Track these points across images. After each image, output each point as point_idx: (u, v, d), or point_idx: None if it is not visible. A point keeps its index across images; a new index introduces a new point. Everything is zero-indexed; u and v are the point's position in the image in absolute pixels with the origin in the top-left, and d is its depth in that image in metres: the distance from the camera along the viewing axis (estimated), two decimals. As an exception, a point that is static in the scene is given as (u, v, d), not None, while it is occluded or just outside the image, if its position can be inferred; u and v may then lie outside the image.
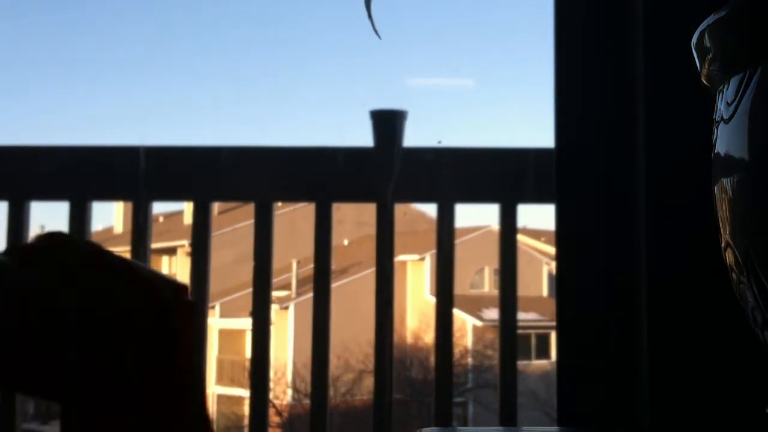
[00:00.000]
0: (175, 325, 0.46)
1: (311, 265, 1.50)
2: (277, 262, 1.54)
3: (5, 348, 0.44)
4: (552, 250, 1.08)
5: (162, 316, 0.46)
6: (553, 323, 1.08)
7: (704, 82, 0.56)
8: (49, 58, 21.81)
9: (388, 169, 1.41)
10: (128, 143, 1.49)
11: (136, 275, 0.47)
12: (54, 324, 0.43)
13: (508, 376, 1.43)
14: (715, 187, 0.54)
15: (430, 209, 1.53)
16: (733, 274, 0.53)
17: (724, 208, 0.52)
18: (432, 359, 2.21)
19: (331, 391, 1.85)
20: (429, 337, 11.28)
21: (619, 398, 1.01)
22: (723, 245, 0.54)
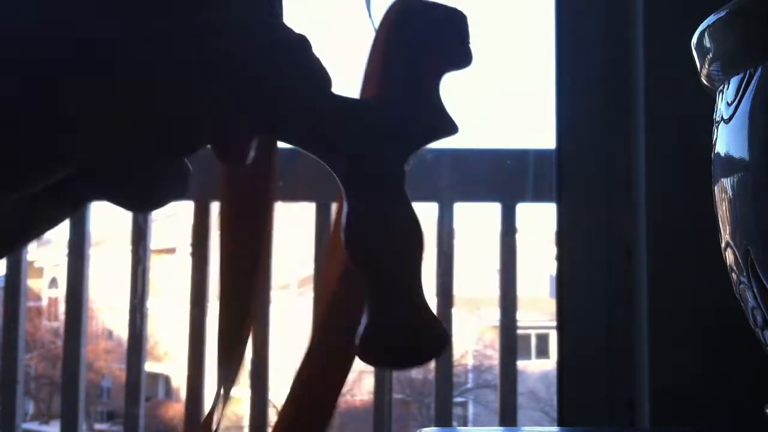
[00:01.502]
0: None
1: (311, 265, 1.50)
2: (277, 262, 1.54)
3: None
4: (552, 250, 1.08)
5: None
6: (553, 323, 1.08)
7: (704, 82, 0.56)
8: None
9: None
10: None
11: None
12: None
13: (508, 376, 1.43)
14: (715, 187, 0.54)
15: (430, 209, 1.53)
16: (733, 274, 0.53)
17: (724, 208, 0.52)
18: (432, 359, 2.20)
19: (331, 391, 1.84)
20: (429, 337, 11.21)
21: (619, 398, 1.01)
22: (723, 245, 0.54)
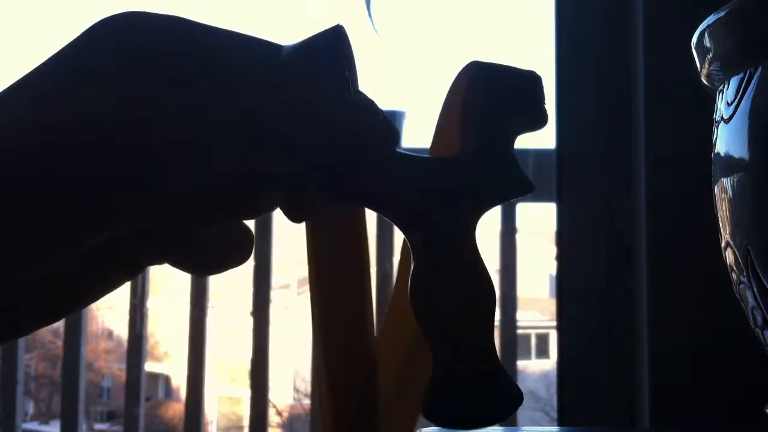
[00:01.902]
0: None
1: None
2: (277, 262, 1.54)
3: None
4: (552, 250, 1.08)
5: None
6: (553, 323, 1.08)
7: (704, 82, 0.56)
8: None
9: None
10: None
11: None
12: None
13: (508, 376, 1.43)
14: (715, 187, 0.54)
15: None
16: (733, 274, 0.53)
17: (724, 208, 0.52)
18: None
19: (331, 391, 1.85)
20: (429, 337, 11.20)
21: (619, 398, 1.01)
22: (723, 245, 0.54)
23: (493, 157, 0.33)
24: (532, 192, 0.33)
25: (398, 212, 0.33)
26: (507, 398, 0.32)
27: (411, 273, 0.32)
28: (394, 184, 0.32)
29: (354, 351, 0.35)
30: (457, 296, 0.32)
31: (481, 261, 0.32)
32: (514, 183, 0.33)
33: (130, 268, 0.34)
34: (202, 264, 0.35)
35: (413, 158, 0.33)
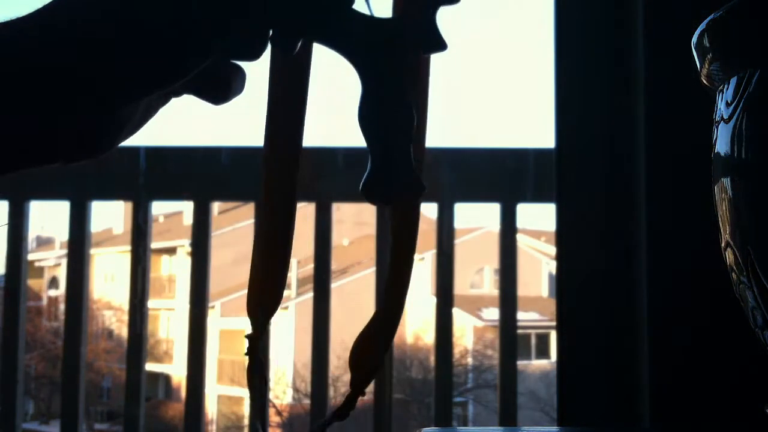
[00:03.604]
0: None
1: (311, 265, 1.50)
2: (277, 262, 1.54)
3: None
4: (552, 250, 1.08)
5: None
6: (553, 323, 1.08)
7: (704, 82, 0.56)
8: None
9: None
10: (128, 143, 1.49)
11: None
12: None
13: (508, 376, 1.43)
14: (715, 187, 0.54)
15: (430, 209, 1.52)
16: (733, 274, 0.53)
17: (724, 208, 0.52)
18: (432, 359, 2.20)
19: (331, 391, 1.85)
20: (429, 337, 11.28)
21: (619, 398, 1.01)
22: (723, 245, 0.54)
23: (417, 19, 0.46)
24: (444, 49, 0.46)
25: (348, 51, 0.45)
26: (413, 187, 0.46)
27: (359, 98, 0.45)
28: (348, 26, 0.45)
29: (288, 143, 0.49)
30: (387, 115, 0.45)
31: (408, 95, 0.46)
32: (428, 39, 0.46)
33: (166, 97, 0.47)
34: (216, 94, 0.47)
35: (365, 15, 0.46)
